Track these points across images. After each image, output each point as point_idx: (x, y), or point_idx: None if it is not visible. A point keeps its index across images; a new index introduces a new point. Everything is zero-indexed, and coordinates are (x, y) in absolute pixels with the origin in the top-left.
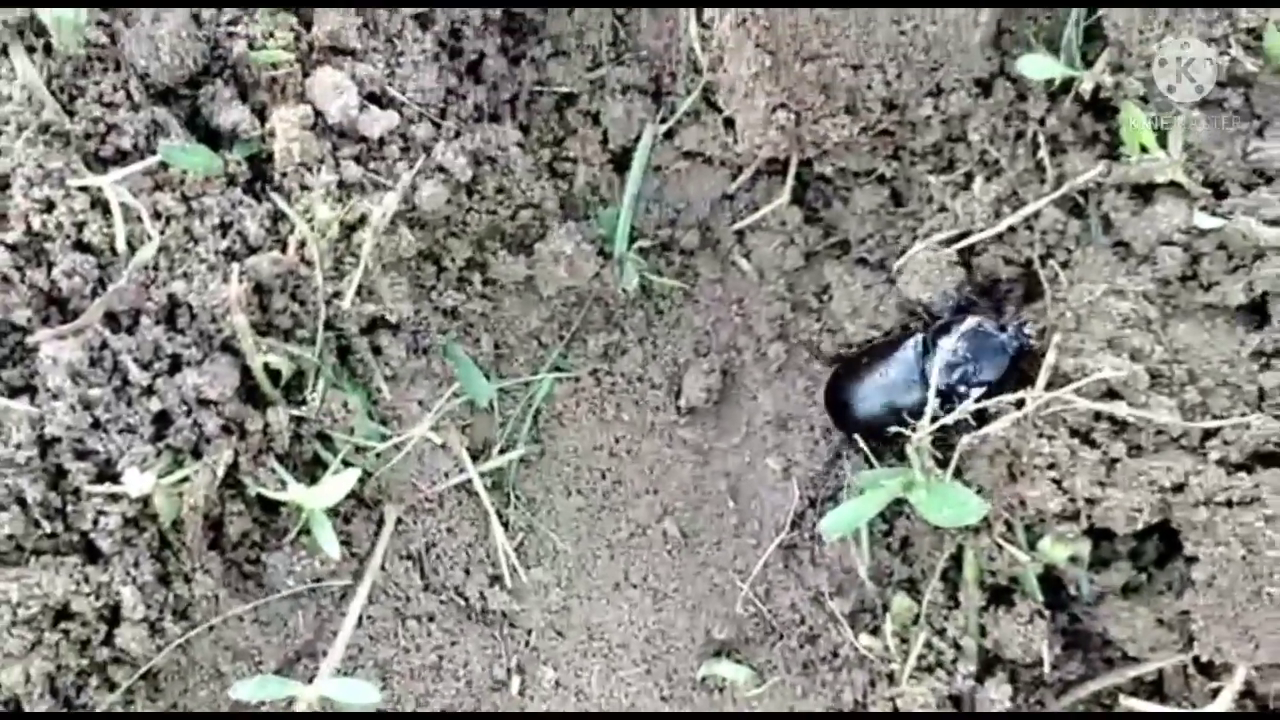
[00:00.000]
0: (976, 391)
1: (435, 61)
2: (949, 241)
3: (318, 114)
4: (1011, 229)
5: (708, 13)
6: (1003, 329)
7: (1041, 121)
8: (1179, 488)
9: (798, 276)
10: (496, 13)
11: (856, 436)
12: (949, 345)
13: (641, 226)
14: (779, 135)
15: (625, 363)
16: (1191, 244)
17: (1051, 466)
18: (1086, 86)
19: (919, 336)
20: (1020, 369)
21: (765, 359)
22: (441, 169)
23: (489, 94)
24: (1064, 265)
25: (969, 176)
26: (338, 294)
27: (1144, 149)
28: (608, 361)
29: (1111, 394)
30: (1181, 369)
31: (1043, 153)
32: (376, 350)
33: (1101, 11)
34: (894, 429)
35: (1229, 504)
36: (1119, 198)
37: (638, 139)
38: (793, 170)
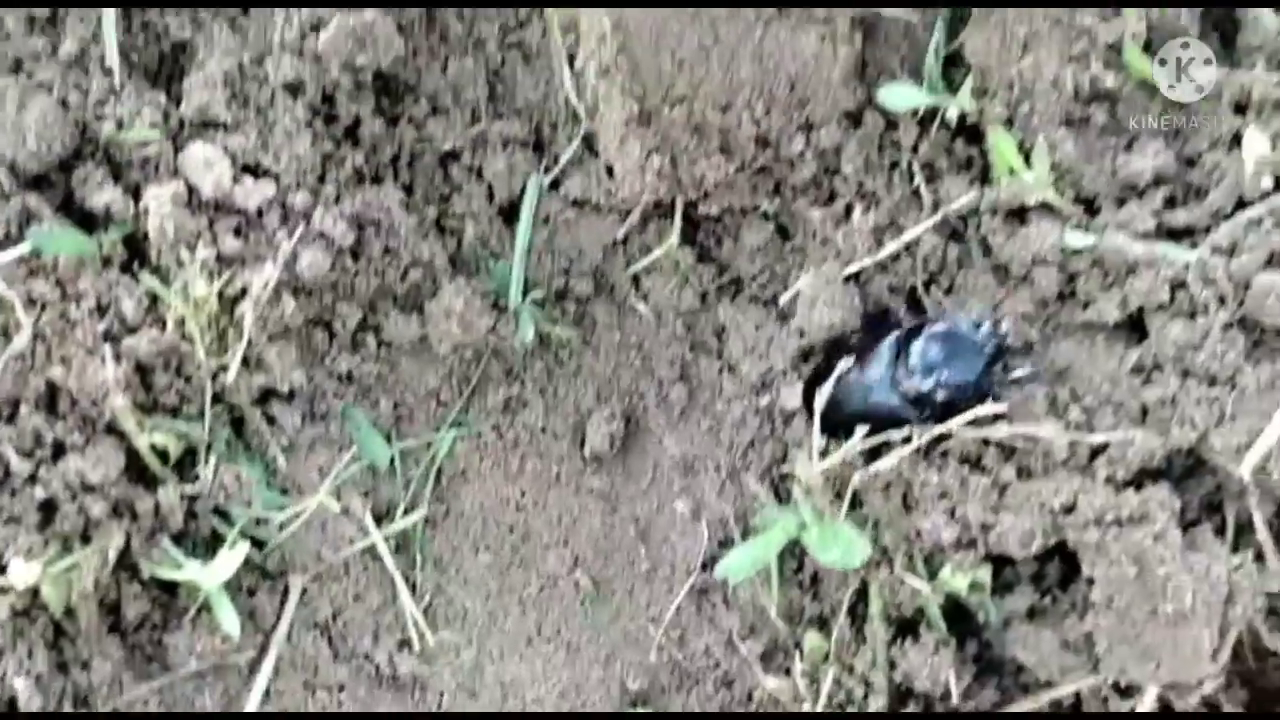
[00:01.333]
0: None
1: (309, 128)
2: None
3: (191, 190)
4: (894, 257)
5: (578, 62)
6: (977, 328)
7: (914, 149)
8: (1069, 509)
9: (695, 317)
10: (369, 76)
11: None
12: (919, 349)
13: (535, 277)
14: (657, 180)
15: (527, 415)
16: (1067, 263)
17: (943, 495)
18: (952, 113)
19: (894, 336)
20: (994, 368)
21: (668, 402)
22: (322, 235)
23: (368, 156)
24: (947, 291)
25: (848, 208)
26: (224, 368)
27: (1013, 171)
28: (509, 415)
29: (997, 418)
30: (1065, 389)
31: (918, 180)
32: (270, 420)
33: (961, 38)
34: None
35: (1118, 523)
36: (994, 220)
37: (523, 191)
38: (679, 212)
